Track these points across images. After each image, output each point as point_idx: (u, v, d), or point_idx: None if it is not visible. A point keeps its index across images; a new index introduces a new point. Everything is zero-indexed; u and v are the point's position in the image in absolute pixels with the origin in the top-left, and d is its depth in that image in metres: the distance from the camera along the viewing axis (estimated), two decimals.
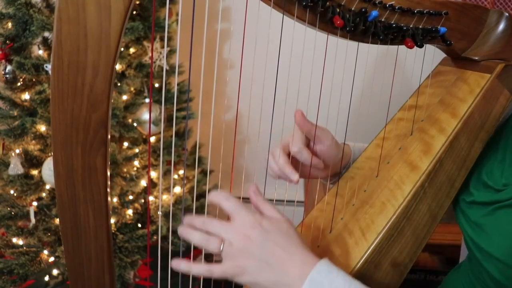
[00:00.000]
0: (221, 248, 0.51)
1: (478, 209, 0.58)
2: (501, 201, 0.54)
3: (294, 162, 0.68)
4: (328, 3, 0.54)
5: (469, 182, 0.61)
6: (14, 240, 1.43)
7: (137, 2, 1.43)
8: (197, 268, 0.51)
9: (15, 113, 1.37)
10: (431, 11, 0.61)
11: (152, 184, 1.63)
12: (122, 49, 1.42)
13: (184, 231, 0.53)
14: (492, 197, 0.56)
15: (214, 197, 0.55)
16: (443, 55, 0.74)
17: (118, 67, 1.42)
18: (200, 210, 1.64)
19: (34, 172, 1.40)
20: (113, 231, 1.48)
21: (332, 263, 0.50)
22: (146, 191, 1.55)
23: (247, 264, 0.50)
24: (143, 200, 1.57)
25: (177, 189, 1.64)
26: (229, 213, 0.53)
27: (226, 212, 0.54)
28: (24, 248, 1.43)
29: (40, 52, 1.35)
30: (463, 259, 0.72)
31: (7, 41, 1.31)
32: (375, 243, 0.55)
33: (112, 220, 1.48)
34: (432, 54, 0.70)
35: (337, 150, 0.71)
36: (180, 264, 0.52)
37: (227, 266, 0.50)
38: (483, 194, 0.58)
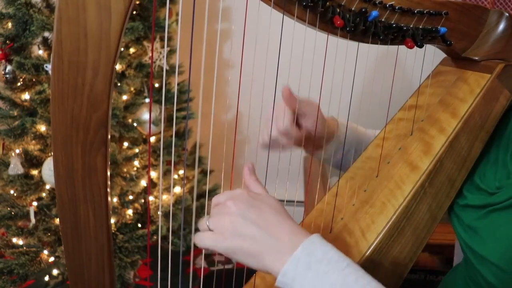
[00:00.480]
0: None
1: (472, 212, 0.58)
2: (494, 204, 0.54)
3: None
4: (328, 3, 0.54)
5: (463, 185, 0.61)
6: (14, 240, 1.43)
7: (137, 2, 1.43)
8: (204, 240, 0.49)
9: (15, 113, 1.37)
10: (431, 11, 0.61)
11: (152, 184, 1.63)
12: (122, 49, 1.42)
13: (197, 240, 0.50)
14: (485, 200, 0.56)
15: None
16: (443, 55, 0.74)
17: (118, 67, 1.42)
18: (200, 210, 1.64)
19: (34, 172, 1.40)
20: (113, 231, 1.48)
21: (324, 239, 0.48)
22: (146, 191, 1.55)
23: (230, 222, 0.48)
24: (143, 200, 1.57)
25: (177, 189, 1.64)
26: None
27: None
28: (24, 248, 1.43)
29: (40, 52, 1.35)
30: (457, 261, 0.72)
31: (7, 41, 1.31)
32: (375, 243, 0.55)
33: (112, 220, 1.48)
34: (432, 54, 0.70)
35: (323, 124, 0.73)
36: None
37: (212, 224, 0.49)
38: (476, 197, 0.58)
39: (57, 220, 1.40)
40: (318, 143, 0.75)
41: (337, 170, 0.81)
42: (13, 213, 1.39)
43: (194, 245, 0.52)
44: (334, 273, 0.44)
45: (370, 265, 0.55)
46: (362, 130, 0.82)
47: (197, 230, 0.51)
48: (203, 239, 0.49)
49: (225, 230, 0.48)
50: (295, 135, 0.70)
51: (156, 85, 1.54)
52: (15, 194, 1.41)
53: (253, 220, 0.48)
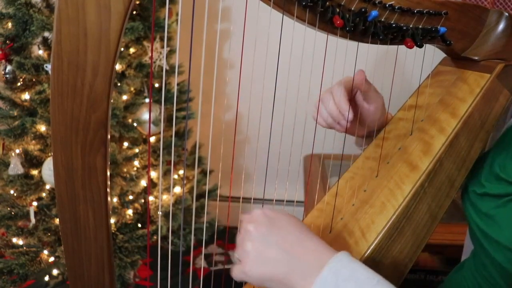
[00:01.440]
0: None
1: (490, 201, 0.58)
2: None
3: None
4: (328, 3, 0.54)
5: (481, 174, 0.62)
6: (14, 240, 1.43)
7: (137, 2, 1.43)
8: (235, 273, 0.49)
9: (15, 113, 1.37)
10: (431, 11, 0.61)
11: (152, 184, 1.63)
12: (122, 49, 1.43)
13: (232, 274, 0.49)
14: (505, 189, 0.57)
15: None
16: (443, 55, 0.74)
17: (118, 67, 1.42)
18: (200, 210, 1.64)
19: (34, 172, 1.41)
20: (113, 231, 1.48)
21: (353, 257, 0.47)
22: (146, 191, 1.55)
23: (252, 249, 0.47)
24: (143, 200, 1.57)
25: (177, 189, 1.64)
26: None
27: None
28: (24, 248, 1.43)
29: (40, 52, 1.35)
30: (465, 258, 0.72)
31: (7, 41, 1.31)
32: (375, 243, 0.55)
33: (112, 220, 1.48)
34: (432, 54, 0.70)
35: (381, 113, 0.75)
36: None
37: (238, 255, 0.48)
38: (496, 186, 0.59)
39: (57, 220, 1.40)
40: (371, 133, 0.77)
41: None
42: (13, 213, 1.39)
43: (194, 245, 0.51)
44: None
45: (370, 265, 0.55)
46: None
47: (196, 230, 0.51)
48: (234, 271, 0.48)
49: (248, 257, 0.47)
50: (351, 118, 0.69)
51: (156, 85, 1.54)
52: (15, 194, 1.41)
53: (274, 242, 0.47)
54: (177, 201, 1.60)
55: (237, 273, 0.48)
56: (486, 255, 0.57)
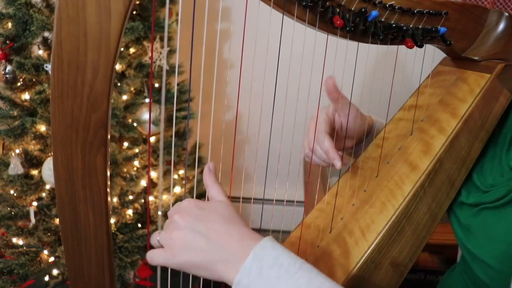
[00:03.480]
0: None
1: (467, 210, 0.58)
2: (486, 202, 0.55)
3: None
4: (328, 3, 0.54)
5: (463, 183, 0.61)
6: (14, 240, 1.43)
7: (137, 2, 1.43)
8: (156, 257, 0.49)
9: (15, 113, 1.37)
10: (431, 11, 0.61)
11: (152, 184, 1.63)
12: (122, 49, 1.42)
13: (148, 257, 0.50)
14: (478, 198, 0.57)
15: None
16: (443, 55, 0.74)
17: (118, 67, 1.42)
18: None
19: (34, 172, 1.40)
20: (113, 231, 1.48)
21: (276, 241, 0.47)
22: (146, 191, 1.55)
23: (177, 237, 0.47)
24: (143, 200, 1.57)
25: (177, 189, 1.64)
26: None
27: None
28: (24, 248, 1.43)
29: (40, 52, 1.35)
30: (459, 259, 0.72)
31: (7, 41, 1.31)
32: (375, 243, 0.55)
33: (112, 220, 1.48)
34: (432, 54, 0.70)
35: (361, 121, 0.74)
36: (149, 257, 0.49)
37: (163, 242, 0.48)
38: (471, 195, 0.59)
39: (57, 220, 1.40)
40: (357, 141, 0.76)
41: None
42: (13, 213, 1.39)
43: None
44: (286, 278, 0.43)
45: (370, 265, 0.55)
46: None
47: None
48: (153, 256, 0.48)
49: (174, 245, 0.47)
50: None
51: (156, 85, 1.54)
52: (15, 194, 1.41)
53: (201, 232, 0.47)
54: (177, 201, 1.60)
55: (158, 256, 0.48)
56: (468, 267, 0.57)
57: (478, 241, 0.54)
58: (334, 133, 0.72)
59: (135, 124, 1.49)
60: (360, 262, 0.55)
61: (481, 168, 0.60)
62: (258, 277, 0.43)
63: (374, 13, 0.56)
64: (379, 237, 0.56)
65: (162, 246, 0.49)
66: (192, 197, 0.54)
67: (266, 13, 0.54)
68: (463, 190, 0.60)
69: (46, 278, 1.47)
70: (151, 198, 1.61)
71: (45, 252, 1.43)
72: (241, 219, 0.50)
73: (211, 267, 0.46)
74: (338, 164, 0.65)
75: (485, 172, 0.59)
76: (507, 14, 0.66)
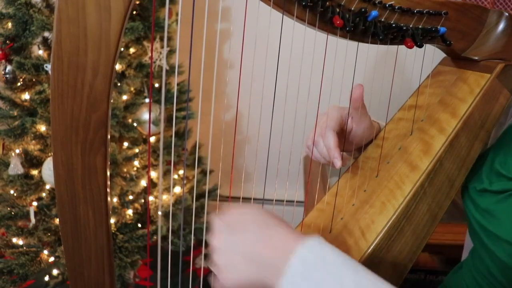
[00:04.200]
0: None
1: (490, 196, 0.59)
2: None
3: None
4: (328, 3, 0.54)
5: (481, 171, 0.62)
6: (14, 240, 1.43)
7: (137, 2, 1.43)
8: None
9: (15, 113, 1.37)
10: (431, 11, 0.61)
11: (152, 184, 1.63)
12: (122, 49, 1.43)
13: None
14: (505, 185, 0.57)
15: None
16: (443, 55, 0.74)
17: (118, 67, 1.42)
18: (200, 210, 1.64)
19: (34, 172, 1.41)
20: (113, 231, 1.48)
21: (325, 241, 0.45)
22: (146, 191, 1.55)
23: (220, 262, 0.47)
24: (143, 200, 1.57)
25: (177, 189, 1.64)
26: None
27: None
28: (24, 248, 1.43)
29: (40, 52, 1.35)
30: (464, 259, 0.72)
31: (7, 41, 1.31)
32: (374, 243, 0.55)
33: (112, 220, 1.48)
34: (432, 54, 0.70)
35: (370, 131, 0.73)
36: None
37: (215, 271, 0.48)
38: (496, 183, 0.59)
39: (57, 220, 1.40)
40: (357, 145, 0.75)
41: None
42: (13, 213, 1.39)
43: (194, 245, 0.51)
44: (332, 279, 0.42)
45: (370, 265, 0.55)
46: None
47: (196, 230, 0.51)
48: (214, 284, 0.48)
49: (221, 270, 0.47)
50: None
51: (156, 85, 1.54)
52: (15, 194, 1.41)
53: (237, 248, 0.46)
54: (177, 201, 1.60)
55: (216, 285, 0.48)
56: (486, 250, 0.57)
57: (502, 224, 0.55)
58: (342, 134, 0.71)
59: (135, 124, 1.49)
60: (360, 262, 0.55)
61: (505, 159, 0.60)
62: (304, 280, 0.42)
63: (374, 13, 0.56)
64: (379, 237, 0.56)
65: None
66: (192, 197, 0.54)
67: (266, 13, 0.54)
68: (484, 178, 0.61)
69: (46, 278, 1.47)
70: (151, 198, 1.62)
71: (45, 252, 1.43)
72: (276, 220, 0.48)
73: (261, 280, 0.45)
74: (338, 163, 0.64)
75: (509, 164, 0.59)
76: (507, 14, 0.65)
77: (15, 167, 1.36)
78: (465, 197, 0.64)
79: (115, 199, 1.48)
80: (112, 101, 0.64)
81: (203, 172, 1.72)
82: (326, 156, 0.70)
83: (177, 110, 1.65)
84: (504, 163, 0.60)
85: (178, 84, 1.59)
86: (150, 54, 1.44)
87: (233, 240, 0.47)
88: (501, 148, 0.62)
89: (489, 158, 0.62)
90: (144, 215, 1.57)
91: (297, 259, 0.43)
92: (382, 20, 0.59)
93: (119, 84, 1.43)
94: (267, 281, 0.45)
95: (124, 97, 1.46)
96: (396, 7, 0.58)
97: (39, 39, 1.33)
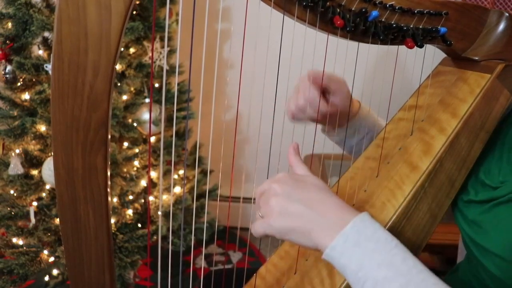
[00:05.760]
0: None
1: (476, 207, 0.58)
2: (497, 198, 0.55)
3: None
4: (328, 3, 0.54)
5: (467, 182, 0.62)
6: (14, 240, 1.43)
7: (137, 2, 1.43)
8: (257, 228, 0.50)
9: (15, 113, 1.37)
10: (431, 11, 0.61)
11: (152, 184, 1.63)
12: (122, 49, 1.43)
13: (252, 230, 0.51)
14: (489, 195, 0.57)
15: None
16: (443, 55, 0.74)
17: (118, 67, 1.42)
18: (200, 210, 1.64)
19: (34, 172, 1.41)
20: (113, 231, 1.48)
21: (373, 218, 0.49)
22: (146, 191, 1.55)
23: (276, 203, 0.49)
24: (143, 200, 1.57)
25: (177, 189, 1.64)
26: None
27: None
28: (24, 248, 1.43)
29: (40, 52, 1.35)
30: (460, 259, 0.72)
31: (7, 41, 1.31)
32: None
33: (112, 220, 1.48)
34: (432, 54, 0.70)
35: (348, 102, 0.74)
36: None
37: (263, 213, 0.50)
38: (481, 192, 0.59)
39: (57, 220, 1.40)
40: (341, 121, 0.77)
41: (349, 155, 0.83)
42: (13, 213, 1.39)
43: (194, 245, 0.52)
44: (382, 252, 0.45)
45: None
46: (377, 117, 0.83)
47: (196, 230, 0.52)
48: (255, 227, 0.50)
49: (273, 212, 0.49)
50: (321, 109, 0.71)
51: (156, 85, 1.54)
52: (15, 194, 1.41)
53: (298, 199, 0.49)
54: (177, 201, 1.60)
55: (259, 226, 0.50)
56: (477, 262, 0.57)
57: (489, 236, 0.54)
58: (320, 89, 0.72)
59: (135, 124, 1.49)
60: None
61: (489, 169, 0.60)
62: (355, 246, 0.45)
63: (375, 13, 0.56)
64: None
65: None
66: (192, 197, 0.54)
67: (266, 13, 0.54)
68: (470, 189, 0.61)
69: (46, 278, 1.47)
70: (151, 198, 1.62)
71: (45, 252, 1.43)
72: (334, 194, 0.51)
73: (307, 233, 0.48)
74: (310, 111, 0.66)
75: (493, 172, 0.59)
76: (507, 14, 0.66)
77: (15, 167, 1.36)
78: (455, 210, 0.63)
79: (115, 199, 1.48)
80: (112, 101, 0.64)
81: (203, 172, 1.72)
82: (301, 102, 0.71)
83: (177, 110, 1.65)
84: (488, 172, 0.60)
85: (178, 84, 1.59)
86: (150, 54, 1.44)
87: (296, 192, 0.49)
88: (485, 157, 0.62)
89: (474, 168, 0.62)
90: (144, 215, 1.57)
91: (353, 227, 0.46)
92: (383, 20, 0.59)
93: (119, 84, 1.43)
94: (313, 235, 0.47)
95: (124, 97, 1.46)
96: (397, 7, 0.58)
97: (39, 39, 1.33)
